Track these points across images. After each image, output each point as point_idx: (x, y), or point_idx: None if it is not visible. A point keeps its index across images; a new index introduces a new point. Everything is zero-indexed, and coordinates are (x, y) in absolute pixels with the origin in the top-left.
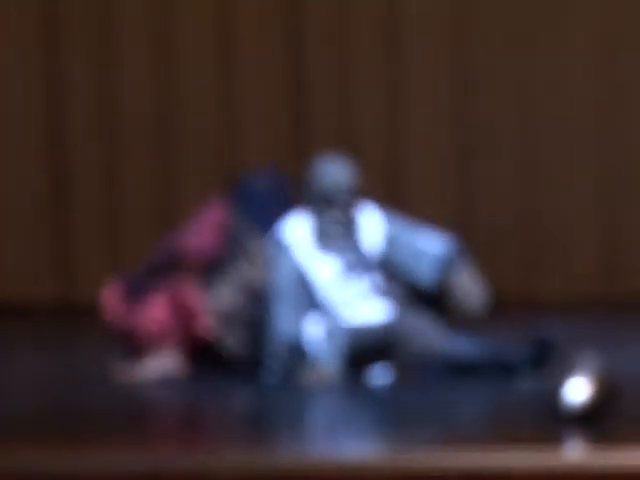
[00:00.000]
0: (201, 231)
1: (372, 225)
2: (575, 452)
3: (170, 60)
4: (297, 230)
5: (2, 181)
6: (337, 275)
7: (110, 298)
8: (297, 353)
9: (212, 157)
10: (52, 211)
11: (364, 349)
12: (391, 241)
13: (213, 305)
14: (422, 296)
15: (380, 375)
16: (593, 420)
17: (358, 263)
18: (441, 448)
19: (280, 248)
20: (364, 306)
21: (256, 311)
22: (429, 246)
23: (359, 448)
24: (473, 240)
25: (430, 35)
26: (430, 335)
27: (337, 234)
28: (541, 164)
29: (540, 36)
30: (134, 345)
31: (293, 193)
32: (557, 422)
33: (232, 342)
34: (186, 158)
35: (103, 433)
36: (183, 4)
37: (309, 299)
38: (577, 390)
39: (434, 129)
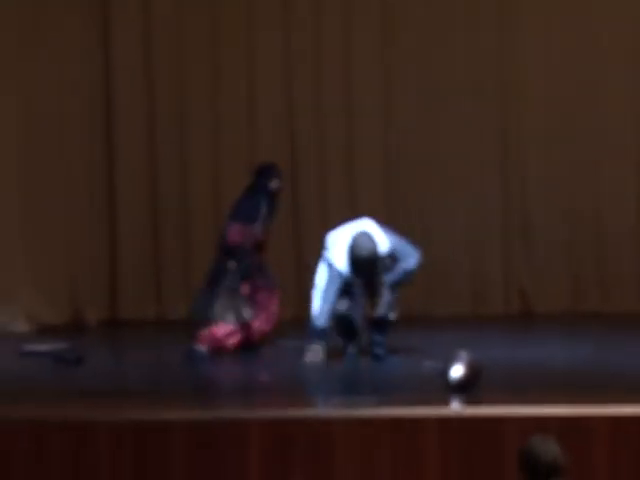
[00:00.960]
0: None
1: (380, 237)
2: (456, 407)
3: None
4: (340, 253)
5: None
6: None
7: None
8: (324, 337)
9: None
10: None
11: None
12: (392, 247)
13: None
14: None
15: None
16: (465, 389)
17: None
18: (379, 405)
19: (326, 259)
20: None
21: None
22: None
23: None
24: None
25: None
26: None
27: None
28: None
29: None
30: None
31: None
32: (446, 390)
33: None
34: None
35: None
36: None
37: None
38: (456, 371)
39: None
